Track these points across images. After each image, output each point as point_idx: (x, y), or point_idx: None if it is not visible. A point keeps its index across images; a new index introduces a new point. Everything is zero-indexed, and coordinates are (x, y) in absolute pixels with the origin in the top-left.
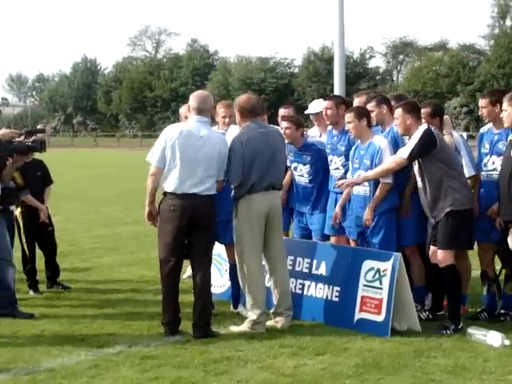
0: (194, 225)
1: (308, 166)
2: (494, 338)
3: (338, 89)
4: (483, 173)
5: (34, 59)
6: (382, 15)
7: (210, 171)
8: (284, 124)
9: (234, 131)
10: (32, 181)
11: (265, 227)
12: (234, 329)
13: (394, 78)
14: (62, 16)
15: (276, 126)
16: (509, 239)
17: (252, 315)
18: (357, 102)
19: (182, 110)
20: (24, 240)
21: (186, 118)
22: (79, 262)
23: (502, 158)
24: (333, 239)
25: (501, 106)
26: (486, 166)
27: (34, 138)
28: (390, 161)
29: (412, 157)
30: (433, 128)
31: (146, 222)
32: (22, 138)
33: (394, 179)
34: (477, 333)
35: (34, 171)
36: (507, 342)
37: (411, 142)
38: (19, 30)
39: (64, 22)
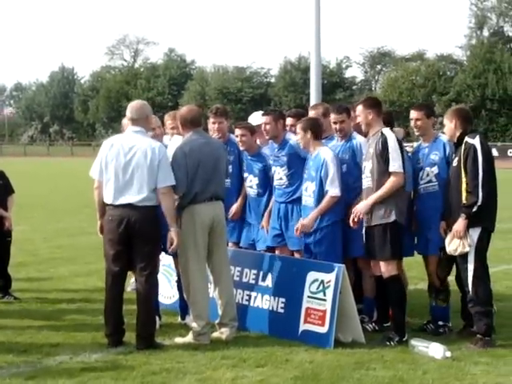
0: (133, 235)
1: (257, 178)
2: (436, 349)
3: (314, 98)
4: (419, 187)
5: (11, 68)
6: (359, 25)
7: (145, 181)
8: (239, 131)
9: (176, 141)
10: None
11: (208, 238)
12: (178, 340)
13: (373, 88)
14: (40, 25)
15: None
16: (446, 240)
17: (196, 326)
18: (313, 113)
19: (124, 121)
20: None
21: None
22: (35, 272)
23: (434, 168)
24: (277, 251)
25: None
26: (421, 179)
27: None
28: (391, 181)
29: (403, 168)
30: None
31: (98, 235)
32: None
33: (341, 192)
34: (419, 344)
35: None
36: (449, 354)
37: (395, 156)
38: None
39: (42, 31)
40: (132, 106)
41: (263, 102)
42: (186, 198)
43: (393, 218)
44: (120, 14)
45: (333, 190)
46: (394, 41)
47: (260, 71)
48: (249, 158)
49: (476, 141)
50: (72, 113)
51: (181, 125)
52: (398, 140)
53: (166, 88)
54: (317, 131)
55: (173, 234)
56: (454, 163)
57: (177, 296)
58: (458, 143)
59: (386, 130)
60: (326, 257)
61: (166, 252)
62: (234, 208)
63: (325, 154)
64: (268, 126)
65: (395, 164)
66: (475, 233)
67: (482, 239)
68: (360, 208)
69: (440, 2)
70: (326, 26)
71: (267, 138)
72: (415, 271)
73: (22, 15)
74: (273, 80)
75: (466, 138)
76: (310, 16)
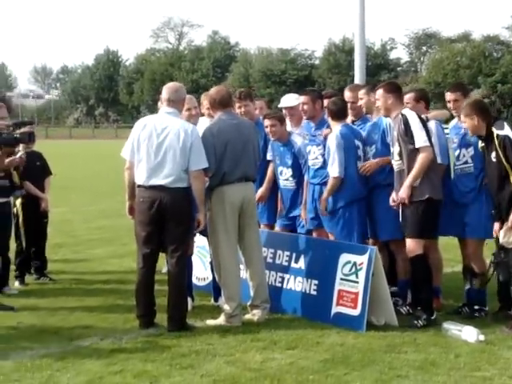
0: (165, 217)
1: (290, 169)
2: (469, 333)
3: (358, 80)
4: (456, 167)
5: (58, 51)
6: (405, 6)
7: (177, 162)
8: (268, 122)
9: (204, 123)
10: (32, 170)
11: (239, 219)
12: (210, 322)
13: (418, 70)
14: (85, 8)
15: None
16: (501, 232)
17: (227, 308)
18: (349, 95)
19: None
20: (22, 232)
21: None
22: (72, 254)
23: (470, 149)
24: (314, 233)
25: None
26: (458, 159)
27: (22, 130)
28: (420, 158)
29: (430, 141)
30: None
31: (127, 216)
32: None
33: (343, 173)
34: (452, 328)
35: (33, 161)
36: (482, 338)
37: (419, 132)
38: (44, 23)
39: (87, 14)
40: (170, 87)
41: (307, 84)
42: (215, 178)
43: (426, 195)
44: None
45: (332, 171)
46: (439, 22)
47: (304, 53)
48: (281, 148)
49: (507, 131)
50: (117, 95)
51: (210, 105)
52: (419, 117)
53: (210, 70)
54: (332, 111)
55: (201, 216)
56: (493, 158)
57: (210, 278)
58: (486, 137)
59: (406, 110)
60: (342, 238)
61: (201, 233)
62: (260, 192)
63: (332, 133)
64: (306, 106)
65: (420, 139)
66: None
67: None
68: (401, 194)
69: None
70: (371, 7)
71: (305, 118)
72: (452, 253)
73: None
74: (317, 62)
75: (495, 131)
76: None
